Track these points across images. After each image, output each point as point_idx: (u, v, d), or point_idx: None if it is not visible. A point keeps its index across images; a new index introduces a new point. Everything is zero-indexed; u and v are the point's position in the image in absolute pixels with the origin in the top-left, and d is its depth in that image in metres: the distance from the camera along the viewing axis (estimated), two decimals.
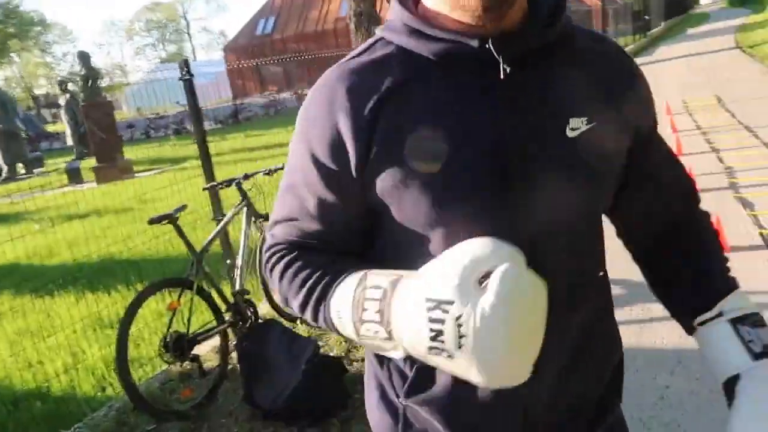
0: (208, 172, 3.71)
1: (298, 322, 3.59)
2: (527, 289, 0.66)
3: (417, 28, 0.76)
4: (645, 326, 2.92)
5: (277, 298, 0.72)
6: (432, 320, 0.66)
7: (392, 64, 0.77)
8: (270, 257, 0.88)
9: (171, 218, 3.02)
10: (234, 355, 3.18)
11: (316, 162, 0.79)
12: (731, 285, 0.88)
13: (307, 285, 0.81)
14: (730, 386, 0.81)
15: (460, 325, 0.65)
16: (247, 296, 3.34)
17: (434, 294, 0.67)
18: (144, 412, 2.79)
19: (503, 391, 0.72)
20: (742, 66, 12.70)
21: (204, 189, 3.66)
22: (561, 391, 0.83)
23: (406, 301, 0.70)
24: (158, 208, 5.63)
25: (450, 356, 0.67)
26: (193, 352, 2.96)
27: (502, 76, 0.73)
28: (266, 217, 3.66)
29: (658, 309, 3.04)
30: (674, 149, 5.50)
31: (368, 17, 17.90)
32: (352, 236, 0.84)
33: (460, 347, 0.65)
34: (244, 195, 3.51)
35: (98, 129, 11.56)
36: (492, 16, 0.71)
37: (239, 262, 3.36)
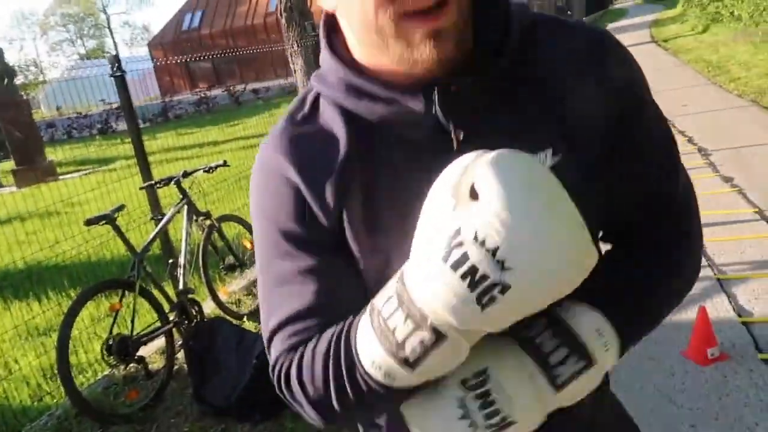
0: (145, 171, 3.62)
1: (245, 318, 3.57)
2: (523, 165, 0.53)
3: (355, 86, 0.68)
4: None
5: (310, 415, 0.62)
6: (455, 265, 0.52)
7: (338, 132, 0.70)
8: (279, 372, 0.69)
9: (109, 219, 2.94)
10: (180, 355, 3.14)
11: (296, 241, 0.70)
12: (619, 303, 0.68)
13: (331, 362, 0.64)
14: None
15: (483, 241, 0.50)
16: (191, 295, 3.29)
17: (440, 238, 0.53)
18: (88, 417, 2.71)
19: None
20: (658, 58, 13.47)
21: (141, 188, 3.57)
22: None
23: (423, 273, 0.55)
24: (88, 211, 5.41)
25: (502, 286, 0.51)
26: (138, 353, 2.90)
27: (455, 147, 0.65)
28: (207, 215, 3.62)
29: None
30: None
31: (299, 12, 17.65)
32: (356, 293, 0.69)
33: (503, 266, 0.50)
34: (184, 193, 3.46)
35: (15, 129, 10.94)
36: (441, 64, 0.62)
37: (182, 261, 3.31)
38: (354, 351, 0.62)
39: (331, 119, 0.71)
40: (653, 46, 16.40)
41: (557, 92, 0.68)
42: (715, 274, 3.14)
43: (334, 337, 0.64)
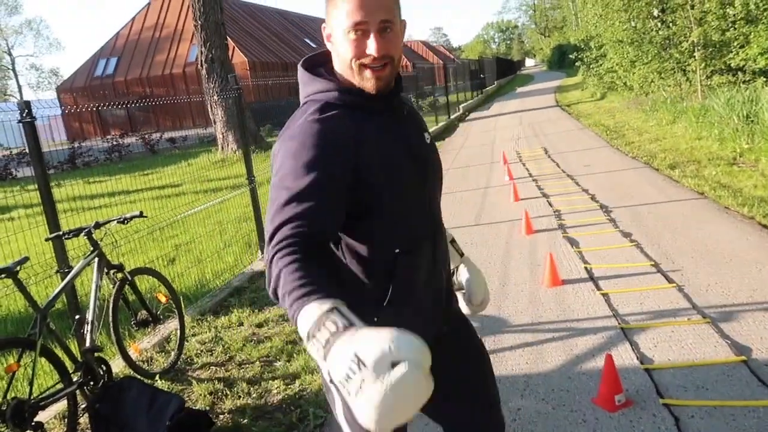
0: (52, 221, 3.43)
1: (157, 378, 3.40)
2: (410, 390, 0.91)
3: (351, 93, 1.35)
4: (497, 355, 3.18)
5: (268, 280, 1.18)
6: (350, 368, 0.92)
7: (347, 118, 1.32)
8: (278, 250, 1.15)
9: (9, 272, 2.76)
10: (84, 419, 2.92)
11: (329, 176, 1.24)
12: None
13: (298, 287, 1.08)
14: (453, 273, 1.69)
15: (362, 381, 0.91)
16: (98, 353, 3.10)
17: (361, 354, 0.92)
18: None
19: (434, 288, 1.48)
20: (562, 122, 14.48)
21: (47, 239, 3.38)
22: (447, 283, 1.55)
23: (345, 345, 0.95)
24: None
25: (348, 394, 0.93)
26: (35, 419, 2.68)
27: (399, 115, 1.44)
28: (119, 268, 3.47)
29: (508, 339, 3.34)
30: (512, 195, 6.02)
31: (221, 63, 17.43)
32: (335, 226, 1.29)
33: (356, 395, 0.92)
34: (95, 245, 3.30)
35: None
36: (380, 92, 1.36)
37: (89, 316, 3.13)
38: (310, 301, 1.04)
39: (339, 113, 1.32)
40: (558, 110, 17.62)
41: (416, 113, 1.53)
42: (619, 323, 3.35)
43: (312, 284, 1.07)
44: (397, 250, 1.36)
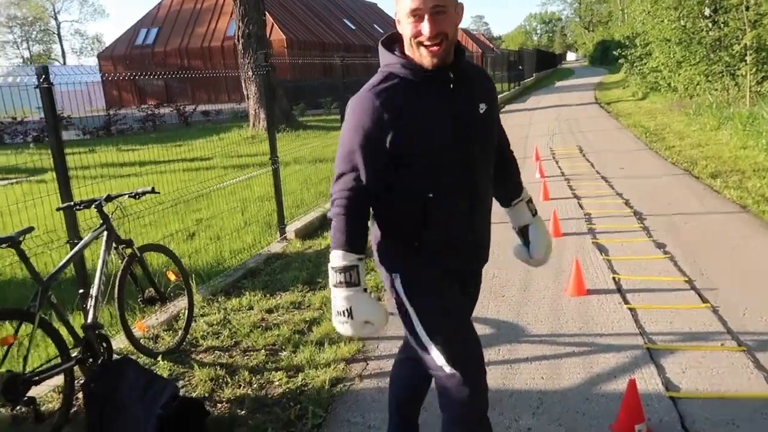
0: (65, 191, 3.35)
1: (160, 358, 3.31)
2: (364, 334, 1.75)
3: (409, 67, 1.68)
4: (511, 366, 3.01)
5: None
6: (342, 311, 1.68)
7: (400, 88, 1.68)
8: (332, 203, 1.71)
9: (13, 242, 2.68)
10: (81, 396, 2.85)
11: (367, 139, 1.66)
12: (523, 187, 2.09)
13: (338, 235, 1.69)
14: (523, 230, 2.08)
15: (345, 323, 1.68)
16: (100, 330, 3.02)
17: (353, 311, 1.67)
18: None
19: (472, 233, 1.84)
20: (600, 121, 14.03)
21: (58, 209, 3.30)
22: (486, 234, 1.91)
23: (347, 298, 1.67)
24: (5, 225, 5.01)
25: (334, 315, 1.70)
26: (30, 393, 2.61)
27: (451, 86, 1.72)
28: (128, 243, 3.38)
29: (524, 349, 3.15)
30: (542, 194, 5.77)
31: (257, 39, 17.39)
32: (380, 184, 1.71)
33: (338, 322, 1.70)
34: (105, 218, 3.21)
35: None
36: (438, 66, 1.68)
37: (93, 291, 3.05)
38: (347, 248, 1.69)
39: (398, 84, 1.68)
40: (597, 108, 17.12)
41: (479, 86, 1.80)
42: (645, 343, 3.13)
43: (351, 237, 1.69)
44: (430, 195, 1.71)
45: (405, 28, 1.63)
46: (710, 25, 13.44)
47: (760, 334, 3.15)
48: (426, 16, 1.58)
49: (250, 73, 14.82)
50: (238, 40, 15.34)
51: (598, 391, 2.73)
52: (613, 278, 4.08)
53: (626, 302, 3.68)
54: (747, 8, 11.40)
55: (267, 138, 6.00)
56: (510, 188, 2.04)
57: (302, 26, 32.49)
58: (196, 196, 7.75)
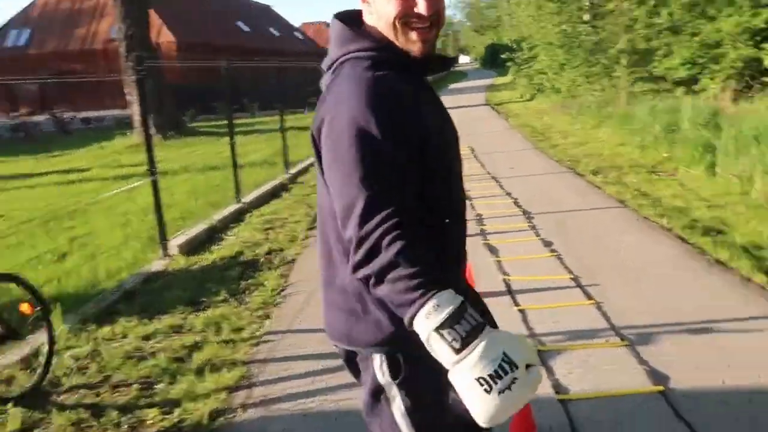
0: None
1: (10, 405, 2.88)
2: (535, 390, 1.04)
3: (398, 53, 1.24)
4: None
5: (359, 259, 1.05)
6: (501, 367, 1.00)
7: (397, 78, 1.21)
8: (387, 229, 1.06)
9: None
10: None
11: (396, 130, 1.14)
12: None
13: (422, 271, 1.05)
14: None
15: (513, 381, 1.00)
16: None
17: (511, 355, 1.01)
18: None
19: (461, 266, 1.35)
20: (491, 122, 14.52)
21: None
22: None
23: (493, 343, 1.02)
24: None
25: (489, 388, 1.00)
26: None
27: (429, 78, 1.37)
28: None
29: None
30: None
31: (139, 42, 16.45)
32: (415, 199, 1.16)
33: (499, 392, 0.99)
34: None
35: None
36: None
37: None
38: (441, 289, 1.05)
39: (392, 74, 1.20)
40: (488, 109, 17.72)
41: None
42: (535, 345, 3.13)
43: (429, 278, 1.05)
44: (447, 221, 1.28)
45: (388, 5, 1.20)
46: (589, 29, 14.27)
47: (640, 327, 3.25)
48: None
49: (134, 77, 13.95)
50: (120, 42, 14.40)
51: None
52: (503, 280, 4.09)
53: (516, 304, 3.69)
54: (621, 14, 12.21)
55: (155, 145, 5.57)
56: None
57: (194, 28, 31.22)
58: (69, 212, 7.10)
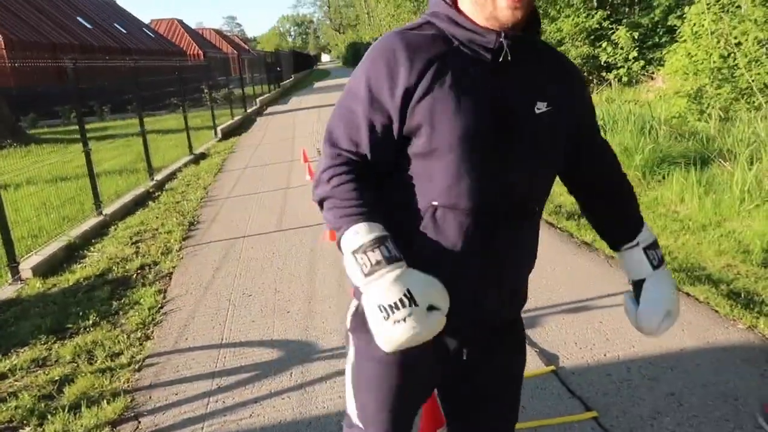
0: None
1: None
2: (435, 331, 1.12)
3: (455, 20, 1.18)
4: (305, 391, 2.79)
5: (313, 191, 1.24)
6: (400, 300, 1.09)
7: (436, 41, 1.18)
8: (338, 165, 1.21)
9: None
10: None
11: (373, 96, 1.18)
12: (642, 223, 1.42)
13: (354, 205, 1.17)
14: (638, 283, 1.40)
15: (408, 315, 1.08)
16: None
17: (414, 293, 1.10)
18: None
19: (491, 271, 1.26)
20: None
21: None
22: (516, 280, 1.36)
23: (398, 279, 1.10)
24: None
25: (386, 317, 1.09)
26: None
27: (501, 60, 1.18)
28: None
29: (318, 368, 2.95)
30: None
31: None
32: (385, 156, 1.21)
33: (394, 323, 1.08)
34: None
35: None
36: (509, 28, 1.16)
37: None
38: (361, 219, 1.15)
39: (435, 35, 1.19)
40: None
41: (553, 77, 1.26)
42: None
43: (366, 206, 1.17)
44: (435, 203, 1.19)
45: None
46: None
47: (525, 311, 3.41)
48: None
49: None
50: None
51: None
52: None
53: None
54: None
55: None
56: (620, 227, 1.43)
57: (25, 25, 28.16)
58: None
